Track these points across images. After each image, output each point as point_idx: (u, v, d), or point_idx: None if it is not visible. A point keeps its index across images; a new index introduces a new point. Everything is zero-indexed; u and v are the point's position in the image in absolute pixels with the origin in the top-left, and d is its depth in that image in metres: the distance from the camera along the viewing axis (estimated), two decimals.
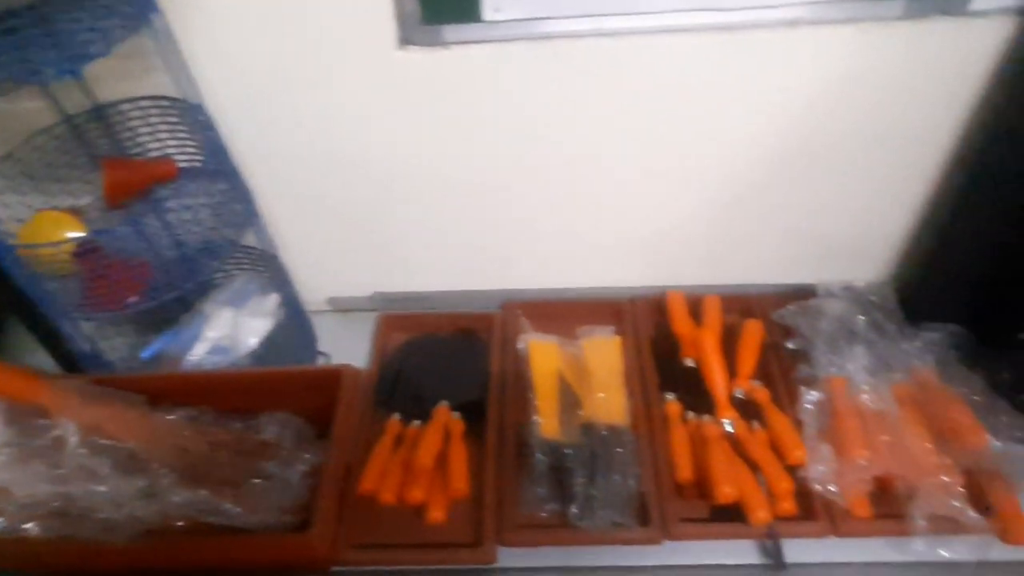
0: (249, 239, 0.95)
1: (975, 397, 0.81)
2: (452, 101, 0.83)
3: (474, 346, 0.97)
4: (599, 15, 0.76)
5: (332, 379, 0.84)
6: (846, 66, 0.78)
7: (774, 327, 0.96)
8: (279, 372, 0.88)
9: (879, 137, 0.85)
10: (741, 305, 1.00)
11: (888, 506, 0.78)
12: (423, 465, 0.81)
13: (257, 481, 0.79)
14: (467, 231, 0.98)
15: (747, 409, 0.88)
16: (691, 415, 0.87)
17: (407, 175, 0.92)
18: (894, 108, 0.82)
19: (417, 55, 0.79)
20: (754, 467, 0.80)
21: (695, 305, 0.99)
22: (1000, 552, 0.76)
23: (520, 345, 0.93)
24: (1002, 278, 0.83)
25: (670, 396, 0.89)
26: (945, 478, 0.76)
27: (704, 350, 0.90)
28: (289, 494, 0.79)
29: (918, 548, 0.75)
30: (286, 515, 0.78)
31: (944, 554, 0.74)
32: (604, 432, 0.84)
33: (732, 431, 0.84)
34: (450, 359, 0.97)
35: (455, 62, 0.79)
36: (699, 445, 0.83)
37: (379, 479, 0.82)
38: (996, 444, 0.78)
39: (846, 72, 0.79)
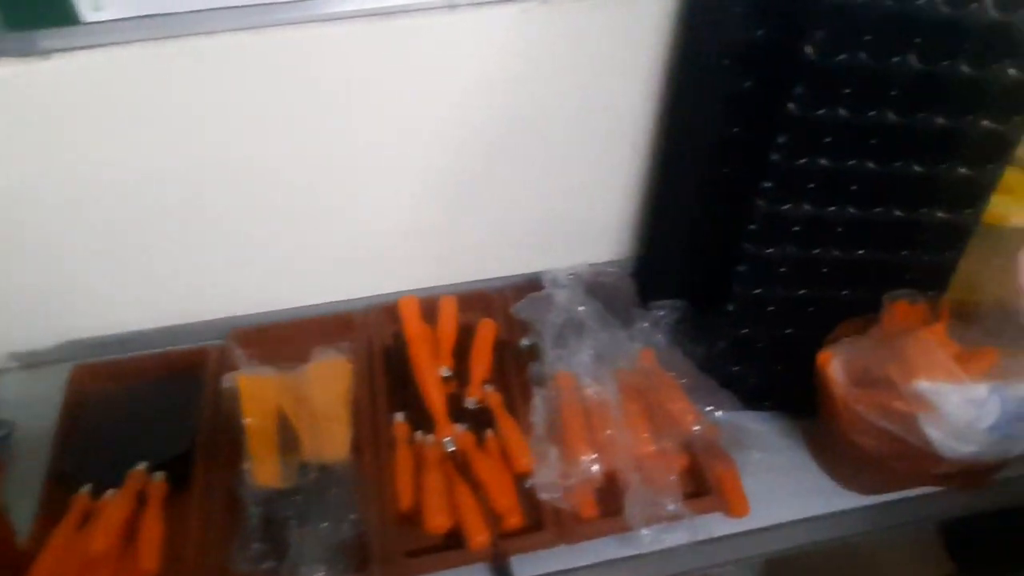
0: None
1: (687, 375, 0.81)
2: (82, 115, 0.70)
3: (185, 389, 0.86)
4: (227, 7, 0.66)
5: None
6: (519, 45, 0.73)
7: (513, 324, 0.92)
8: None
9: (579, 115, 0.81)
10: (482, 303, 0.94)
11: (616, 503, 0.76)
12: (96, 549, 0.70)
13: None
14: (160, 258, 0.86)
15: (482, 418, 0.83)
16: (418, 435, 0.81)
17: (76, 201, 0.78)
18: (584, 84, 0.78)
19: (9, 69, 0.65)
20: (478, 485, 0.76)
21: (432, 309, 0.94)
22: (729, 526, 0.77)
23: (227, 383, 0.83)
24: (709, 249, 0.83)
25: (399, 416, 0.83)
26: (662, 464, 0.75)
27: (417, 362, 0.84)
28: None
29: (645, 540, 0.74)
30: None
31: (666, 541, 0.74)
32: (316, 472, 0.76)
33: (454, 448, 0.79)
34: (154, 408, 0.85)
35: (60, 74, 0.66)
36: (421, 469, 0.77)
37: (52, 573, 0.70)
38: (709, 419, 0.79)
39: (520, 51, 0.74)
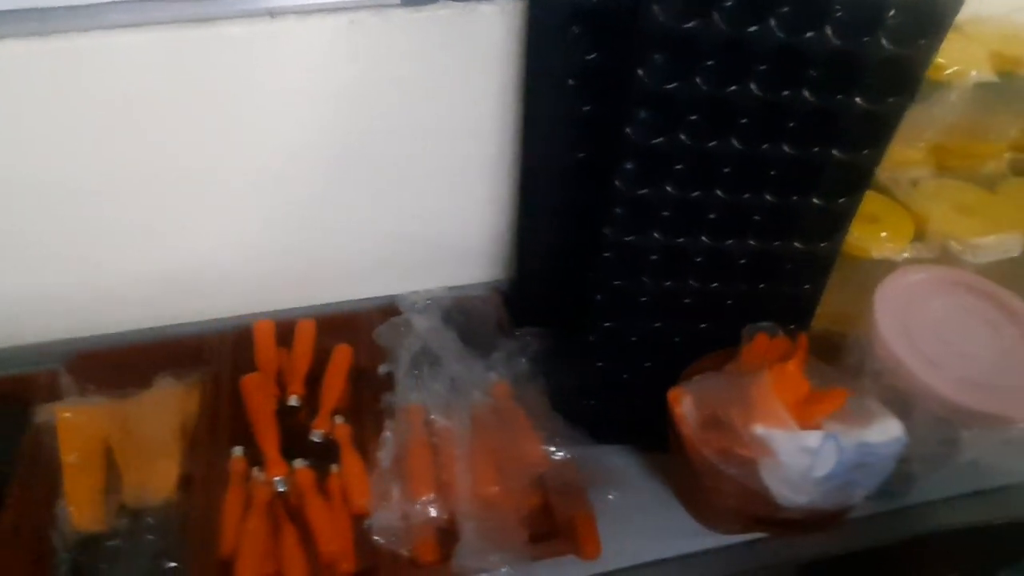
0: None
1: (541, 409, 0.77)
2: None
3: (5, 422, 0.79)
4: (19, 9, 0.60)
5: None
6: (351, 58, 0.68)
7: (375, 350, 0.87)
8: None
9: (431, 134, 0.77)
10: (348, 327, 0.88)
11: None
12: None
13: None
14: None
15: (328, 452, 0.78)
16: (255, 471, 0.76)
17: None
18: (430, 102, 0.74)
19: None
20: (308, 528, 0.71)
21: (291, 333, 0.88)
22: (580, 569, 0.73)
23: (44, 417, 0.76)
24: (575, 275, 0.80)
25: (238, 451, 0.77)
26: (508, 505, 0.71)
27: (250, 391, 0.79)
28: None
29: None
30: None
31: None
32: (134, 515, 0.70)
33: (285, 489, 0.74)
34: None
35: None
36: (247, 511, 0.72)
37: None
38: (564, 456, 0.75)
39: (353, 65, 0.68)
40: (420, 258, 0.89)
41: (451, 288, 0.88)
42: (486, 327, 0.84)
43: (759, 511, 0.66)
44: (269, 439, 0.75)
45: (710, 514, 0.74)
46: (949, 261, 0.73)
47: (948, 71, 0.73)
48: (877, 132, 0.65)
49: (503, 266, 0.94)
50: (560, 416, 0.74)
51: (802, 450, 0.59)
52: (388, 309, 0.89)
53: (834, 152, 0.65)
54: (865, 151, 0.65)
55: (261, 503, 0.71)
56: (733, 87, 0.60)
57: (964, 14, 0.81)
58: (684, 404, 0.70)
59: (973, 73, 0.74)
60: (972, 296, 0.72)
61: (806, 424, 0.64)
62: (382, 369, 0.83)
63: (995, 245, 0.72)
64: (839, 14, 0.59)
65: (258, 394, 0.79)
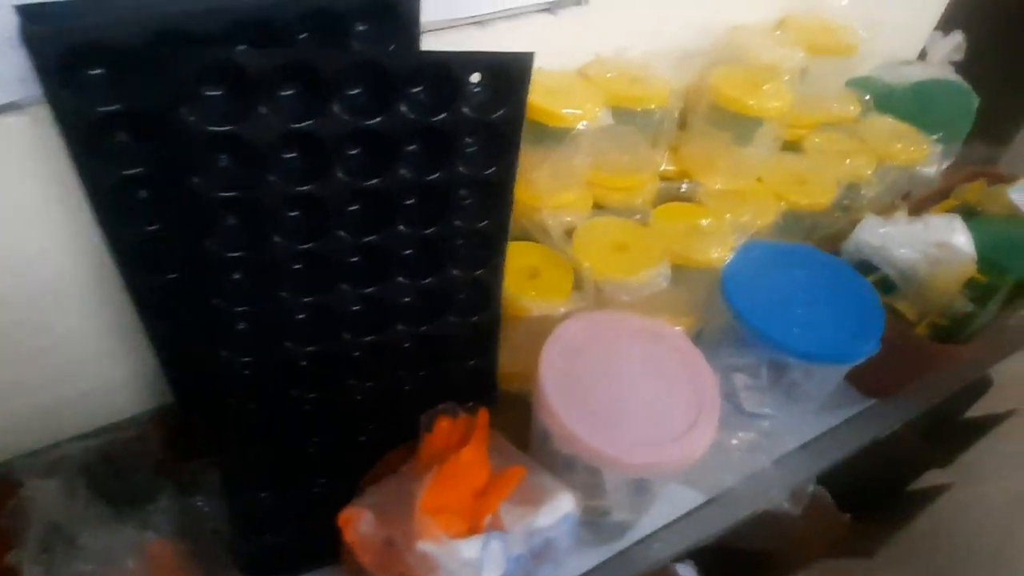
0: None
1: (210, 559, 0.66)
2: None
3: None
4: None
5: None
6: None
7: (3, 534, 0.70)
8: None
9: None
10: None
11: None
12: None
13: None
14: None
15: None
16: None
17: None
18: None
19: None
20: None
21: None
22: None
23: None
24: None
25: None
26: None
27: None
28: None
29: None
30: None
31: None
32: None
33: None
34: None
35: None
36: None
37: None
38: None
39: None
40: (37, 404, 0.73)
41: (88, 434, 0.74)
42: (142, 473, 0.71)
43: None
44: None
45: None
46: (606, 304, 0.74)
47: (574, 117, 0.74)
48: (493, 197, 0.62)
49: (156, 390, 0.80)
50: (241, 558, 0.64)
51: (464, 564, 0.54)
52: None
53: (456, 223, 0.62)
54: (486, 221, 0.63)
55: None
56: (318, 181, 0.54)
57: (584, 59, 0.86)
58: (360, 525, 0.62)
59: (599, 115, 0.75)
60: (629, 337, 0.72)
61: (480, 520, 0.60)
62: (10, 559, 0.67)
63: (645, 280, 0.74)
64: (414, 91, 0.55)
65: None
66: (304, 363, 0.64)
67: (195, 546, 0.67)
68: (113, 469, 0.71)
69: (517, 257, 0.77)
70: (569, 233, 0.81)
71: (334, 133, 0.53)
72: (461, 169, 0.59)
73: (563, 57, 0.83)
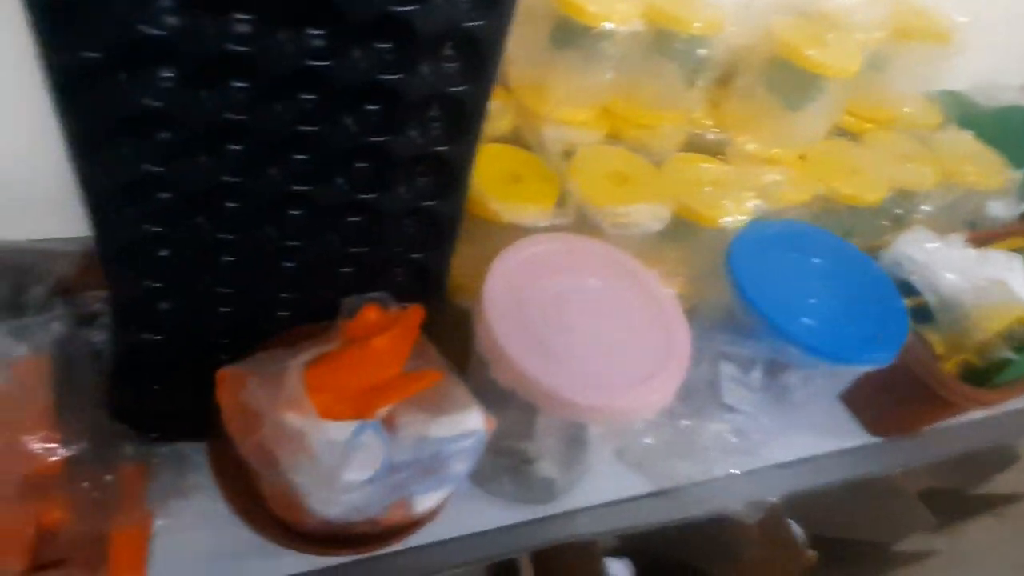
0: None
1: (81, 395, 0.58)
2: None
3: None
4: None
5: None
6: None
7: None
8: None
9: None
10: None
11: None
12: None
13: None
14: None
15: None
16: None
17: None
18: None
19: None
20: None
21: None
22: None
23: None
24: None
25: None
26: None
27: None
28: None
29: None
30: None
31: None
32: None
33: None
34: None
35: None
36: None
37: None
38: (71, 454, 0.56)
39: None
40: None
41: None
42: (38, 288, 0.65)
43: (307, 526, 0.52)
44: None
45: (271, 529, 0.58)
46: (586, 230, 0.64)
47: (601, 15, 0.64)
48: (475, 55, 0.53)
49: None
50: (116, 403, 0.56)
51: (327, 445, 0.46)
52: None
53: (428, 77, 0.53)
54: (464, 85, 0.53)
55: None
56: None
57: None
58: (235, 386, 0.54)
59: (631, 20, 0.65)
60: (599, 268, 0.62)
61: (369, 413, 0.51)
62: None
63: (637, 216, 0.64)
64: None
65: None
66: (227, 200, 0.56)
67: (68, 376, 0.60)
68: (8, 278, 0.65)
69: (502, 159, 0.68)
70: (569, 155, 0.72)
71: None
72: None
73: None
